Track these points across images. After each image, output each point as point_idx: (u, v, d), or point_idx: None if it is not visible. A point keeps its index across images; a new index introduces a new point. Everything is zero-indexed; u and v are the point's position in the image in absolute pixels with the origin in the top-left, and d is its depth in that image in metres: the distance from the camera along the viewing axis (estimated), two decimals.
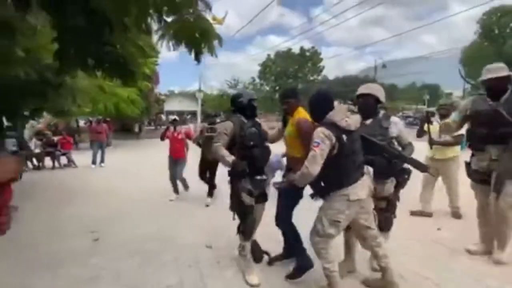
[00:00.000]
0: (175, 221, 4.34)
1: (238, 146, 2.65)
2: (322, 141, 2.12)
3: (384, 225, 2.60)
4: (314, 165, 2.12)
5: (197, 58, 3.00)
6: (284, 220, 2.71)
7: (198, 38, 2.64)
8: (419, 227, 3.88)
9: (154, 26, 2.85)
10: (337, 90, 36.27)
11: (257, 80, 32.96)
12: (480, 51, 30.29)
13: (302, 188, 2.51)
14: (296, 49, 31.90)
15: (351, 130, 2.19)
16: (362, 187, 2.23)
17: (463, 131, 3.24)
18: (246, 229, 2.68)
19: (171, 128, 5.61)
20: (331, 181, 2.24)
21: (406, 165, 2.52)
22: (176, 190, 5.60)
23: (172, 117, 6.13)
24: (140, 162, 10.33)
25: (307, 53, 32.20)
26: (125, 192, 6.03)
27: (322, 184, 2.30)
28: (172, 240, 3.63)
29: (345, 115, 2.21)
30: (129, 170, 8.95)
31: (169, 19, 2.63)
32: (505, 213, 2.69)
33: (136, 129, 23.27)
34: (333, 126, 2.16)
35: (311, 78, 33.37)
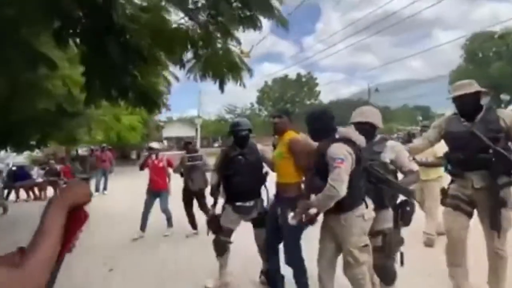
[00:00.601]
0: (189, 249, 4.27)
1: (221, 173, 2.92)
2: (346, 158, 1.97)
3: (384, 275, 2.28)
4: (341, 183, 1.94)
5: (222, 88, 3.17)
6: (295, 257, 2.43)
7: (224, 69, 2.81)
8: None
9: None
10: (335, 114, 37.03)
11: (256, 106, 33.87)
12: (466, 74, 31.70)
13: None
14: (292, 75, 33.34)
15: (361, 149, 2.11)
16: (368, 206, 2.11)
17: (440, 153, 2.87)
18: (216, 246, 2.96)
19: (152, 156, 5.13)
20: (344, 201, 2.01)
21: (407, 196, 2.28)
22: (143, 227, 4.90)
23: (151, 144, 5.57)
24: (142, 189, 10.12)
25: (303, 79, 33.48)
26: (131, 219, 5.91)
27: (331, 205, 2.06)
28: (186, 270, 3.54)
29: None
30: (132, 197, 8.81)
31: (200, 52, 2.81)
32: (504, 253, 2.33)
33: (134, 156, 23.26)
34: (351, 143, 2.05)
35: (308, 102, 34.38)
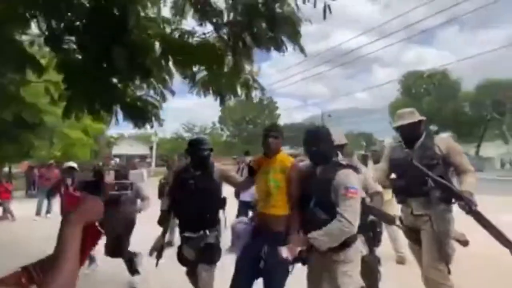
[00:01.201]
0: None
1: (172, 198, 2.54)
2: (359, 188, 1.81)
3: None
4: (356, 217, 1.74)
5: (223, 103, 3.13)
6: None
7: (227, 86, 2.79)
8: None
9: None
10: (287, 135, 38.93)
11: (217, 125, 33.86)
12: (403, 106, 36.19)
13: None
14: (254, 97, 34.51)
15: None
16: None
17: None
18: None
19: (67, 180, 3.89)
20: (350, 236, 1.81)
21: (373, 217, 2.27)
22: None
23: (68, 163, 4.33)
24: None
25: (265, 102, 34.88)
26: None
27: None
28: None
29: None
30: None
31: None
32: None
33: None
34: (356, 171, 1.88)
35: (269, 124, 35.56)
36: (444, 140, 2.43)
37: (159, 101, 3.38)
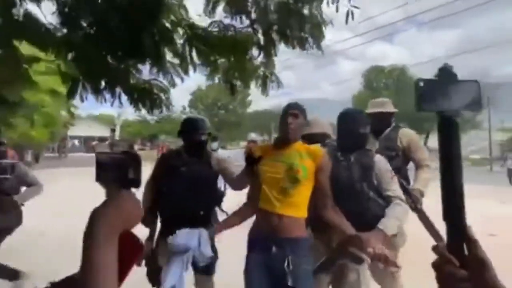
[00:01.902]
0: None
1: (157, 189, 2.07)
2: None
3: None
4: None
5: (233, 92, 3.26)
6: None
7: (248, 77, 2.93)
8: None
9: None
10: (257, 123, 39.64)
11: (188, 109, 32.87)
12: (364, 99, 38.99)
13: None
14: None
15: None
16: None
17: None
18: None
19: None
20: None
21: None
22: None
23: None
24: (58, 206, 6.63)
25: (238, 88, 34.67)
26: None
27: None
28: None
29: None
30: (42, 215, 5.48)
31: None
32: None
33: (29, 158, 18.63)
34: None
35: (240, 111, 35.51)
36: (407, 134, 2.43)
37: (167, 86, 3.39)
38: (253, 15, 2.36)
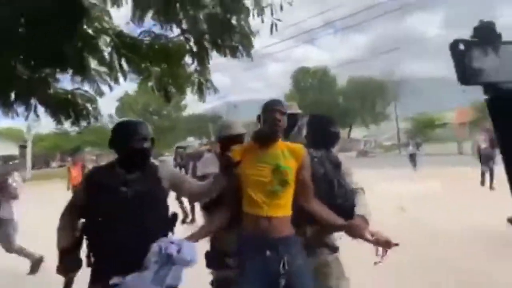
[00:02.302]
0: None
1: (84, 224, 1.54)
2: None
3: None
4: None
5: (168, 100, 3.24)
6: None
7: (183, 83, 2.96)
8: None
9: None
10: (193, 127, 38.86)
11: (115, 117, 29.88)
12: (294, 98, 41.99)
13: None
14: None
15: None
16: None
17: None
18: None
19: None
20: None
21: None
22: None
23: None
24: None
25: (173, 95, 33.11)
26: None
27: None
28: None
29: None
30: None
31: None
32: None
33: None
34: None
35: (175, 115, 34.01)
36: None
37: (94, 96, 3.17)
38: (184, 25, 2.42)
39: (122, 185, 1.50)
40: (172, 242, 1.43)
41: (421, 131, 35.49)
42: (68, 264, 1.50)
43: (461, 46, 0.38)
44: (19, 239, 3.70)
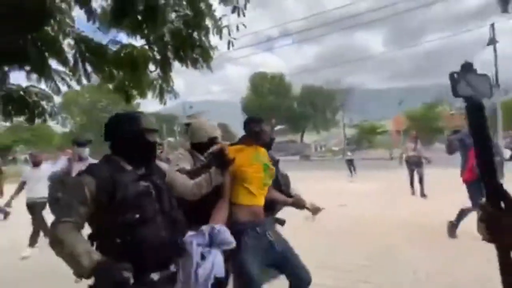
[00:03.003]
0: None
1: (107, 223, 1.33)
2: None
3: None
4: None
5: (129, 101, 3.40)
6: None
7: (144, 88, 3.15)
8: None
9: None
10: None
11: (60, 113, 27.14)
12: (251, 102, 42.93)
13: None
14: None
15: None
16: None
17: None
18: None
19: None
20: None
21: None
22: None
23: None
24: None
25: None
26: None
27: None
28: None
29: None
30: None
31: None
32: None
33: None
34: None
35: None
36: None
37: (50, 94, 3.18)
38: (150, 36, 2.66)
39: (138, 180, 1.42)
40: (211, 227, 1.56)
41: (365, 137, 39.05)
42: (117, 274, 1.16)
43: (455, 75, 0.69)
44: None
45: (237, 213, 1.83)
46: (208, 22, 2.70)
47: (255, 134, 1.96)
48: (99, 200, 1.30)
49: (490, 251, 0.71)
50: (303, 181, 5.86)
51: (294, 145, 43.85)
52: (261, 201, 1.90)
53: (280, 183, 2.22)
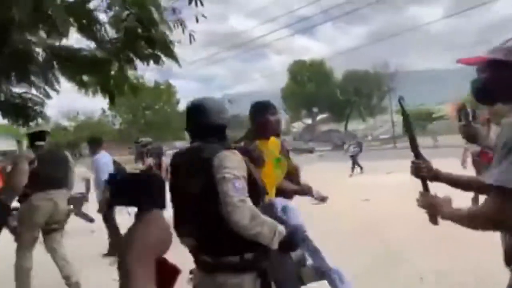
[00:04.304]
0: None
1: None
2: None
3: None
4: None
5: (113, 103, 3.56)
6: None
7: (114, 87, 3.24)
8: None
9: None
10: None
11: (108, 112, 30.43)
12: (291, 91, 42.04)
13: None
14: (149, 83, 31.91)
15: None
16: None
17: None
18: None
19: None
20: None
21: None
22: None
23: None
24: None
25: (162, 86, 33.25)
26: None
27: None
28: None
29: None
30: None
31: None
32: None
33: None
34: None
35: (168, 110, 34.34)
36: None
37: (42, 99, 3.49)
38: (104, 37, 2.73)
39: None
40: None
41: (419, 124, 35.48)
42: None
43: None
44: None
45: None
46: (157, 16, 2.65)
47: (269, 125, 1.74)
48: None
49: None
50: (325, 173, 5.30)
51: (338, 134, 41.84)
52: (272, 195, 1.75)
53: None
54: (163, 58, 2.93)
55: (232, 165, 1.22)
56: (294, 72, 43.52)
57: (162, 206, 1.35)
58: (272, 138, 1.81)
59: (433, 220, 1.16)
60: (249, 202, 1.16)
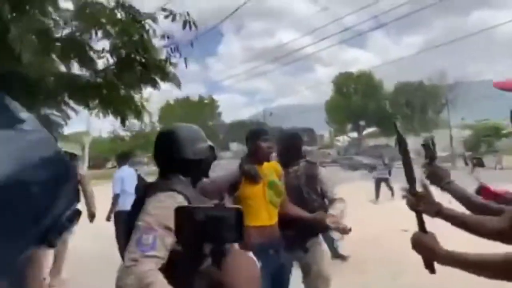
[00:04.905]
0: None
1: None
2: None
3: None
4: None
5: (123, 123, 3.71)
6: None
7: (127, 111, 3.39)
8: None
9: None
10: (235, 134, 40.11)
11: (157, 124, 33.09)
12: (336, 104, 40.62)
13: None
14: (193, 97, 34.01)
15: None
16: None
17: None
18: None
19: None
20: None
21: None
22: None
23: None
24: None
25: (205, 101, 35.36)
26: None
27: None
28: None
29: None
30: None
31: None
32: None
33: None
34: None
35: (210, 123, 36.14)
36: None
37: (64, 120, 3.79)
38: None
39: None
40: None
41: (484, 141, 31.33)
42: None
43: None
44: None
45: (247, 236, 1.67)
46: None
47: (260, 151, 1.78)
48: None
49: None
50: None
51: (389, 149, 38.83)
52: (270, 220, 1.75)
53: (306, 201, 2.01)
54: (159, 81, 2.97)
55: (154, 211, 1.06)
56: (340, 84, 42.13)
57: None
58: (271, 163, 1.86)
59: (430, 267, 0.96)
60: (145, 264, 0.94)
